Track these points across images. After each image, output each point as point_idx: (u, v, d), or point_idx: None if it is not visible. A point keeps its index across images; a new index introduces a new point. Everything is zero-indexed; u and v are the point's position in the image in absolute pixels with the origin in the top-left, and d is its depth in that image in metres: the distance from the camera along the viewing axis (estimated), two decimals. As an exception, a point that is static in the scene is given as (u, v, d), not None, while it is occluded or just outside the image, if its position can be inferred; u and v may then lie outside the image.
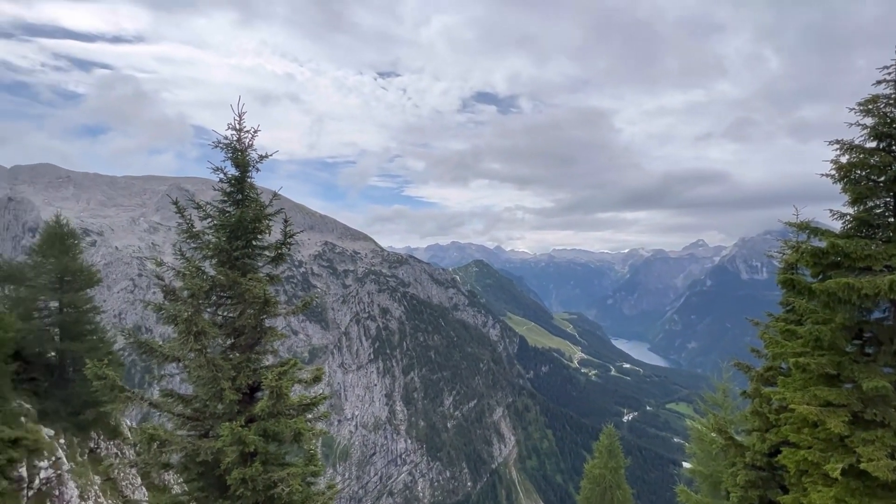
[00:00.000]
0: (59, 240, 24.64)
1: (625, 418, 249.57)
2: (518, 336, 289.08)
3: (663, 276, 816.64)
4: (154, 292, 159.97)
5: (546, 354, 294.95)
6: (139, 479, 26.25)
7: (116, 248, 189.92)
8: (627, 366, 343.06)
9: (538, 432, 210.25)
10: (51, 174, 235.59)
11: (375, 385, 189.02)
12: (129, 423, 29.99)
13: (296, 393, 8.91)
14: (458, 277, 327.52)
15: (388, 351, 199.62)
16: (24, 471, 17.87)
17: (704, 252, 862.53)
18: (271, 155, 8.64)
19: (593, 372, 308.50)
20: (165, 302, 7.89)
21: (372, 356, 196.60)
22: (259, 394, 8.40)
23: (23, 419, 19.94)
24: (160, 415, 9.44)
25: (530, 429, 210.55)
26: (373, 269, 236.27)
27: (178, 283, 8.03)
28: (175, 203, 8.23)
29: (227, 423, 7.11)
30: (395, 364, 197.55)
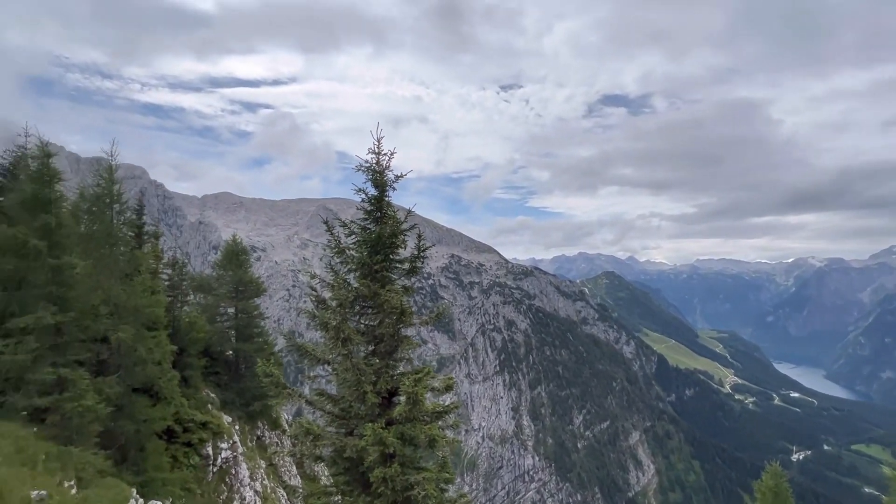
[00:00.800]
0: (235, 256, 29.30)
1: (794, 457, 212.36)
2: (656, 355, 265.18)
3: (843, 290, 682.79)
4: (305, 301, 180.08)
5: (690, 376, 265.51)
6: (294, 468, 29.67)
7: (276, 262, 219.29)
8: (796, 395, 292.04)
9: (682, 463, 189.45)
10: (228, 201, 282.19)
11: (502, 398, 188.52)
12: (286, 416, 34.16)
13: (427, 401, 9.33)
14: (586, 290, 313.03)
15: (513, 364, 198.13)
16: (210, 450, 21.39)
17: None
18: (406, 175, 9.34)
19: (750, 399, 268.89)
20: (317, 310, 8.94)
21: (498, 368, 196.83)
22: (397, 398, 8.99)
23: (209, 406, 23.95)
24: (313, 411, 10.60)
25: (672, 458, 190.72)
26: (498, 280, 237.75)
27: (327, 294, 9.03)
28: (325, 222, 9.31)
29: (370, 424, 7.75)
30: (521, 377, 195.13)
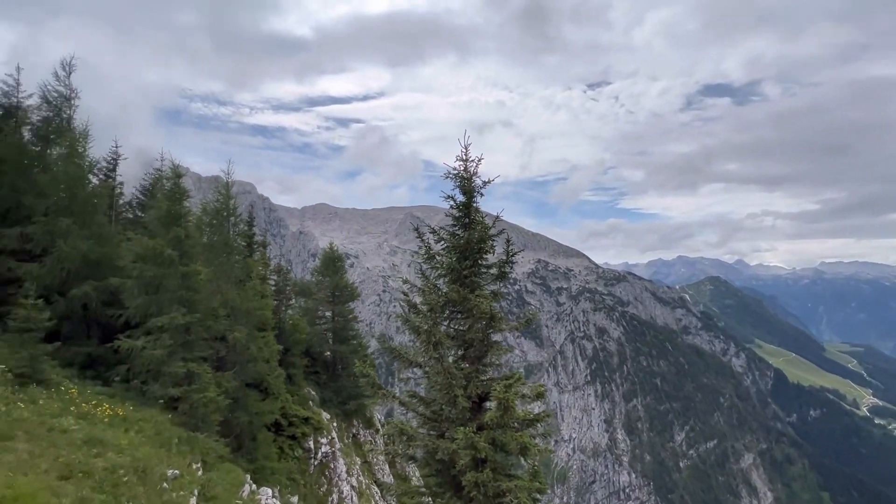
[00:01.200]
0: (332, 263, 31.28)
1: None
2: (772, 369, 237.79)
3: None
4: (395, 305, 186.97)
5: (815, 395, 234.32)
6: (387, 466, 30.80)
7: (368, 268, 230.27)
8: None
9: (808, 493, 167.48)
10: (325, 211, 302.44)
11: (593, 409, 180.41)
12: (379, 416, 35.60)
13: (517, 408, 9.19)
14: (687, 297, 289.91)
15: (606, 374, 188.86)
16: (311, 444, 22.92)
17: None
18: (493, 180, 9.36)
19: (894, 425, 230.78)
20: (409, 314, 9.23)
21: (589, 378, 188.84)
22: (487, 404, 8.98)
23: (310, 403, 25.70)
24: (405, 412, 10.93)
25: (795, 486, 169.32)
26: (587, 286, 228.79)
27: (418, 299, 9.30)
28: (416, 229, 9.60)
29: (462, 428, 7.82)
30: (614, 388, 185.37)
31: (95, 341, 15.53)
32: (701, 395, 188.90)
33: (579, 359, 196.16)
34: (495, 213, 9.93)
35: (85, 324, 15.91)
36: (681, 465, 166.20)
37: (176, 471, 11.19)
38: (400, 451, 9.04)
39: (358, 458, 27.86)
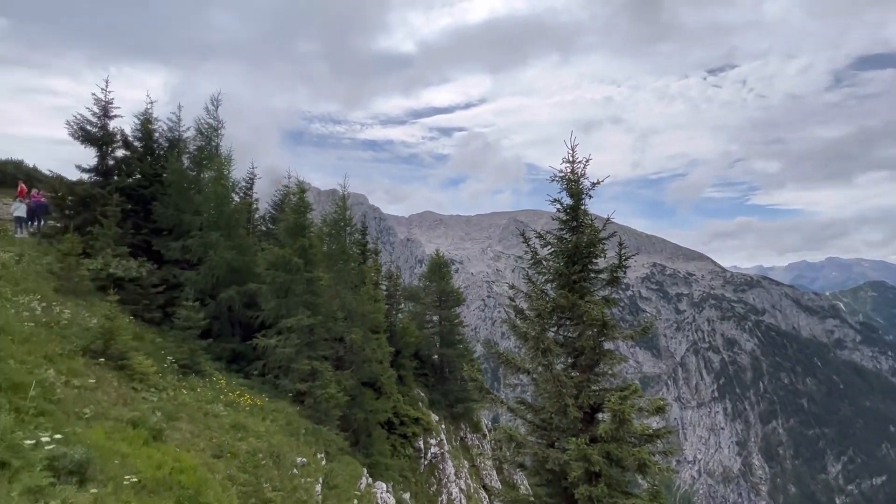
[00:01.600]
0: (439, 268, 32.23)
1: None
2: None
3: None
4: (500, 311, 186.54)
5: None
6: (494, 472, 30.73)
7: (472, 273, 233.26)
8: None
9: None
10: (430, 219, 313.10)
11: (723, 429, 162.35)
12: (486, 421, 35.72)
13: (635, 422, 8.60)
14: (841, 304, 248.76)
15: (737, 391, 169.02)
16: (421, 444, 23.71)
17: None
18: (602, 181, 8.92)
19: None
20: (516, 320, 9.14)
21: (716, 394, 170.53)
22: (600, 415, 8.54)
23: (420, 404, 26.65)
24: (513, 418, 10.82)
25: None
26: (712, 292, 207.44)
27: (525, 304, 9.17)
28: (521, 234, 9.49)
29: (574, 439, 7.51)
30: (748, 407, 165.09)
31: (238, 339, 17.74)
32: (863, 420, 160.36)
33: (704, 372, 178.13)
34: (605, 216, 9.45)
35: (230, 323, 18.23)
36: (837, 501, 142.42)
37: (304, 459, 12.32)
38: (509, 458, 8.94)
39: (466, 462, 28.21)
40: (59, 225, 18.20)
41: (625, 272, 8.99)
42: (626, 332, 8.71)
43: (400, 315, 30.61)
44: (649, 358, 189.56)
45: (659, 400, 8.17)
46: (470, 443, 30.64)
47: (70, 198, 17.84)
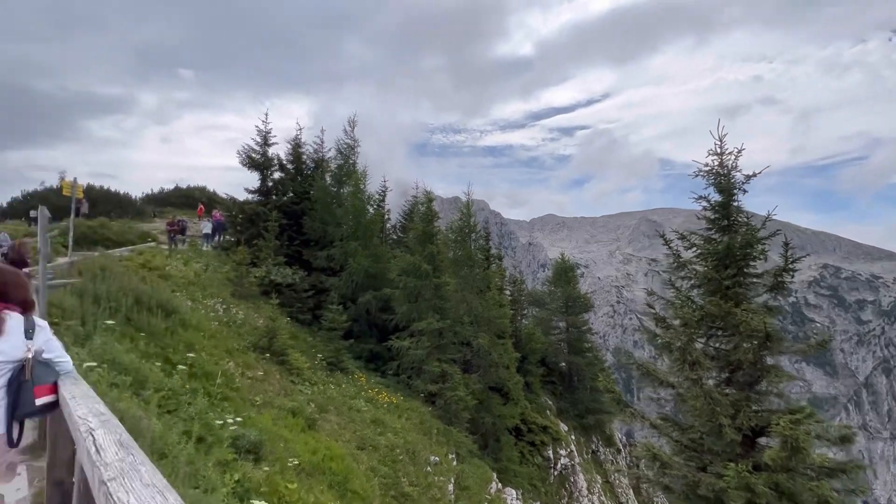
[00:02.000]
0: (564, 273, 31.21)
1: None
2: None
3: None
4: (631, 318, 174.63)
5: None
6: (630, 491, 28.62)
7: (599, 278, 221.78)
8: None
9: None
10: (552, 222, 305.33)
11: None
12: (619, 435, 33.51)
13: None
14: None
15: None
16: (551, 453, 23.04)
17: None
18: (759, 172, 7.78)
19: None
20: (657, 329, 8.37)
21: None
22: (764, 440, 7.41)
23: (548, 412, 25.98)
24: (654, 435, 9.94)
25: None
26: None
27: (667, 312, 8.37)
28: (661, 236, 8.69)
29: (733, 465, 6.61)
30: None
31: (375, 340, 19.14)
32: None
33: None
34: (763, 213, 8.21)
35: (367, 325, 19.76)
36: None
37: (436, 457, 12.78)
38: (652, 478, 8.20)
39: (599, 477, 26.74)
40: (232, 239, 21.55)
41: (792, 276, 7.72)
42: (796, 346, 7.46)
43: (525, 320, 30.29)
44: (820, 377, 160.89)
45: (843, 427, 6.83)
46: (603, 457, 29.01)
47: (240, 216, 21.03)
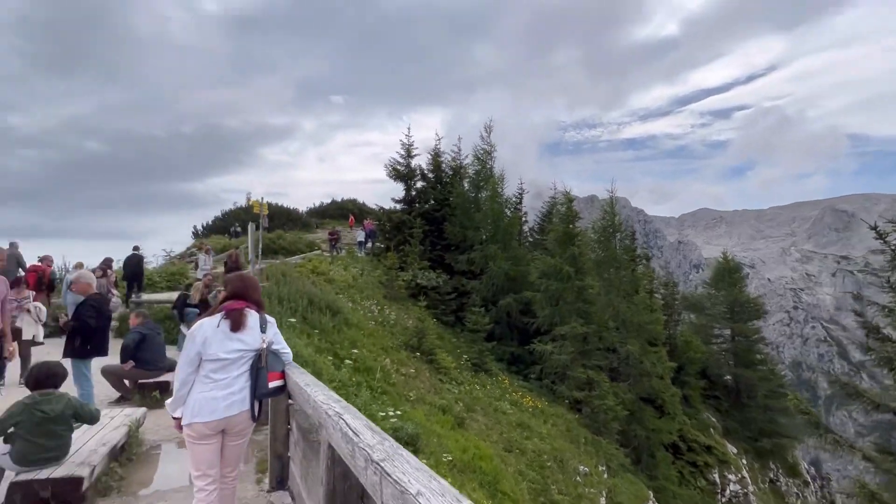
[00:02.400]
0: (728, 274, 27.54)
1: None
2: None
3: None
4: (814, 326, 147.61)
5: None
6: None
7: (768, 279, 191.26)
8: None
9: None
10: (706, 217, 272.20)
11: None
12: (803, 464, 28.31)
13: None
14: None
15: None
16: (717, 477, 20.42)
17: None
18: None
19: None
20: (871, 342, 6.80)
21: None
22: None
23: (711, 431, 23.07)
24: (839, 466, 8.11)
25: None
26: None
27: (882, 321, 6.74)
28: (873, 227, 7.00)
29: None
30: None
31: (516, 343, 19.09)
32: None
33: None
34: None
35: (508, 328, 19.80)
36: None
37: (586, 468, 12.20)
38: (867, 523, 6.67)
39: (778, 511, 22.91)
40: (382, 245, 23.43)
41: None
42: None
43: (679, 327, 27.46)
44: None
45: None
46: (785, 489, 24.83)
47: (388, 224, 22.78)
